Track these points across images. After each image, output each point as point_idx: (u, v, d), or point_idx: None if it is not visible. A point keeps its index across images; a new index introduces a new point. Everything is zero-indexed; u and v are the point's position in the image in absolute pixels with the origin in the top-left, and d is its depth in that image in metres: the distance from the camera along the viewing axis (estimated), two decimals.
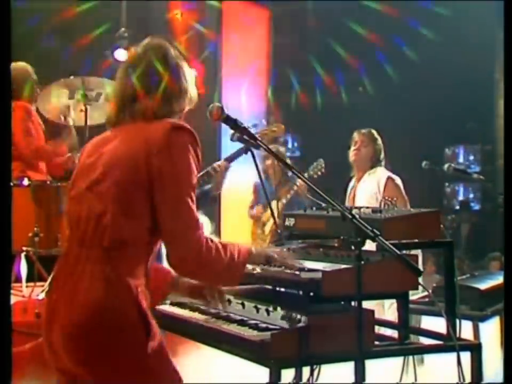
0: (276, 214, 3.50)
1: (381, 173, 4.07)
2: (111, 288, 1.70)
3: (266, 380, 1.83)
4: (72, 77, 3.88)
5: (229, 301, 2.09)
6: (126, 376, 1.71)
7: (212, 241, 1.78)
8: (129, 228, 1.73)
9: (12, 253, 3.85)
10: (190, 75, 1.90)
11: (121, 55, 5.80)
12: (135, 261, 1.75)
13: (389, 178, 4.02)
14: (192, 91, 1.90)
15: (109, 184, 1.76)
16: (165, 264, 1.89)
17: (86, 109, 3.80)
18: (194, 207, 1.76)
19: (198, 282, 2.00)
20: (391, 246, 1.72)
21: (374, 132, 4.22)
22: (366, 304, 1.81)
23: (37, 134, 4.16)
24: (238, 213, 6.27)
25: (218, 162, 3.19)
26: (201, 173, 3.15)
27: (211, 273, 1.82)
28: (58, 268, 1.84)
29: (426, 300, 2.68)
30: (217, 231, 6.46)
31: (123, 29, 6.28)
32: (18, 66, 4.24)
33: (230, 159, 3.13)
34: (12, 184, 3.85)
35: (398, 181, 4.04)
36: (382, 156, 4.16)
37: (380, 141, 4.18)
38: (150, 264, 1.81)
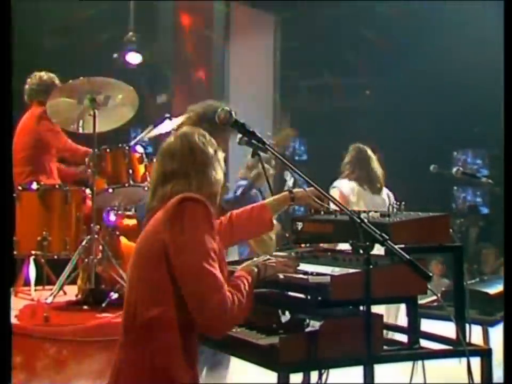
0: None
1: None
2: (146, 374, 1.76)
3: (270, 380, 1.83)
4: (81, 78, 3.88)
5: None
6: None
7: (231, 295, 1.80)
8: (157, 307, 1.79)
9: (17, 256, 3.88)
10: (217, 162, 2.00)
11: (129, 58, 5.82)
12: (171, 339, 1.79)
13: (331, 189, 4.16)
14: (218, 177, 1.99)
15: (137, 267, 1.87)
16: None
17: (94, 114, 3.80)
18: (214, 269, 1.79)
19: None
20: (400, 250, 1.71)
21: (353, 145, 4.32)
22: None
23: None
24: None
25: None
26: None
27: (235, 320, 1.85)
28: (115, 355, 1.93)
29: (435, 304, 2.67)
30: None
31: (131, 33, 6.31)
32: (48, 75, 4.30)
33: None
34: (20, 188, 3.87)
35: (345, 189, 4.13)
36: (346, 168, 4.25)
37: (354, 155, 4.27)
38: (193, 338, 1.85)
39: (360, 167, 4.22)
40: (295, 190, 2.33)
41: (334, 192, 4.13)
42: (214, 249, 1.82)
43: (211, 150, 1.99)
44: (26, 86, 4.30)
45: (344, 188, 4.16)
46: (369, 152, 4.28)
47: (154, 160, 2.05)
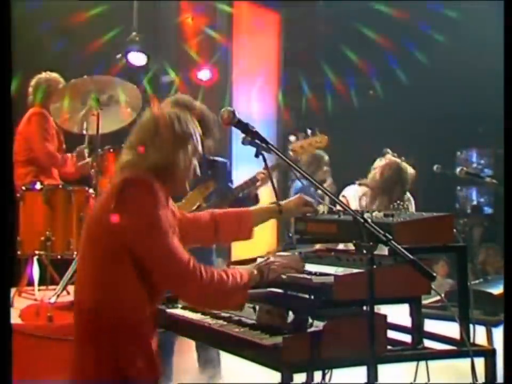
0: None
1: None
2: (98, 363, 1.77)
3: (272, 380, 1.82)
4: (84, 77, 3.89)
5: None
6: None
7: (209, 269, 1.82)
8: (107, 295, 1.81)
9: (21, 256, 3.88)
10: (186, 148, 1.95)
11: (132, 59, 5.83)
12: (128, 322, 1.81)
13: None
14: (187, 164, 1.95)
15: (85, 256, 1.88)
16: None
17: (98, 114, 3.81)
18: (176, 243, 1.81)
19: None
20: (404, 250, 1.71)
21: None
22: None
23: (52, 140, 4.22)
24: None
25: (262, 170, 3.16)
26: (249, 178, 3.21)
27: (218, 298, 1.86)
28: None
29: (439, 304, 2.66)
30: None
31: (134, 33, 6.30)
32: (51, 76, 4.32)
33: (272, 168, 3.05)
34: (24, 188, 3.88)
35: (345, 193, 3.92)
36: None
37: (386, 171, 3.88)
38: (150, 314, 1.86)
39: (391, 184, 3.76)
40: (284, 202, 2.27)
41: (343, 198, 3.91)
42: (170, 224, 1.83)
43: (179, 131, 1.94)
44: (30, 89, 4.32)
45: (350, 194, 3.94)
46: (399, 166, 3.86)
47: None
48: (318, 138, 3.19)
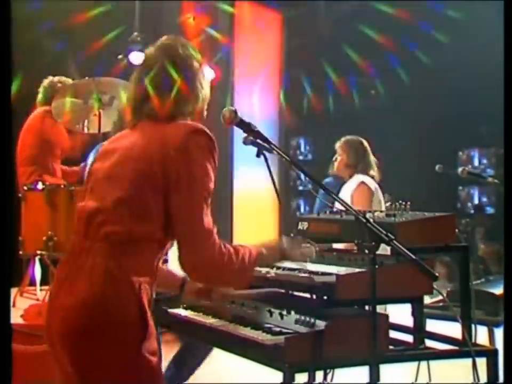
0: None
1: (355, 179, 4.00)
2: (111, 282, 1.68)
3: (273, 380, 1.82)
4: (86, 78, 3.90)
5: (243, 304, 2.09)
6: (115, 373, 1.68)
7: (225, 246, 1.77)
8: (137, 225, 1.72)
9: (23, 256, 3.89)
10: (202, 76, 1.90)
11: (134, 59, 5.83)
12: (140, 258, 1.73)
13: (360, 183, 3.94)
14: (204, 92, 1.90)
15: (120, 180, 1.76)
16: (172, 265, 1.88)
17: (99, 114, 3.81)
18: (209, 211, 1.76)
19: (205, 286, 2.02)
20: (406, 250, 1.71)
21: (349, 139, 4.14)
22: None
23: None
24: (250, 218, 6.27)
25: None
26: None
27: (222, 278, 1.83)
28: (62, 260, 1.83)
29: (441, 304, 2.66)
30: (230, 234, 6.47)
31: (136, 33, 6.31)
32: (64, 79, 4.35)
33: None
34: (26, 188, 3.88)
35: (372, 186, 3.93)
36: (363, 161, 4.04)
37: (358, 148, 4.08)
38: (158, 263, 1.80)
39: (366, 159, 4.05)
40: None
41: (363, 189, 3.91)
42: (210, 192, 1.76)
43: (196, 63, 1.88)
44: (41, 88, 4.35)
45: (371, 185, 3.96)
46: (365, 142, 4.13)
47: (134, 74, 1.90)
48: None
